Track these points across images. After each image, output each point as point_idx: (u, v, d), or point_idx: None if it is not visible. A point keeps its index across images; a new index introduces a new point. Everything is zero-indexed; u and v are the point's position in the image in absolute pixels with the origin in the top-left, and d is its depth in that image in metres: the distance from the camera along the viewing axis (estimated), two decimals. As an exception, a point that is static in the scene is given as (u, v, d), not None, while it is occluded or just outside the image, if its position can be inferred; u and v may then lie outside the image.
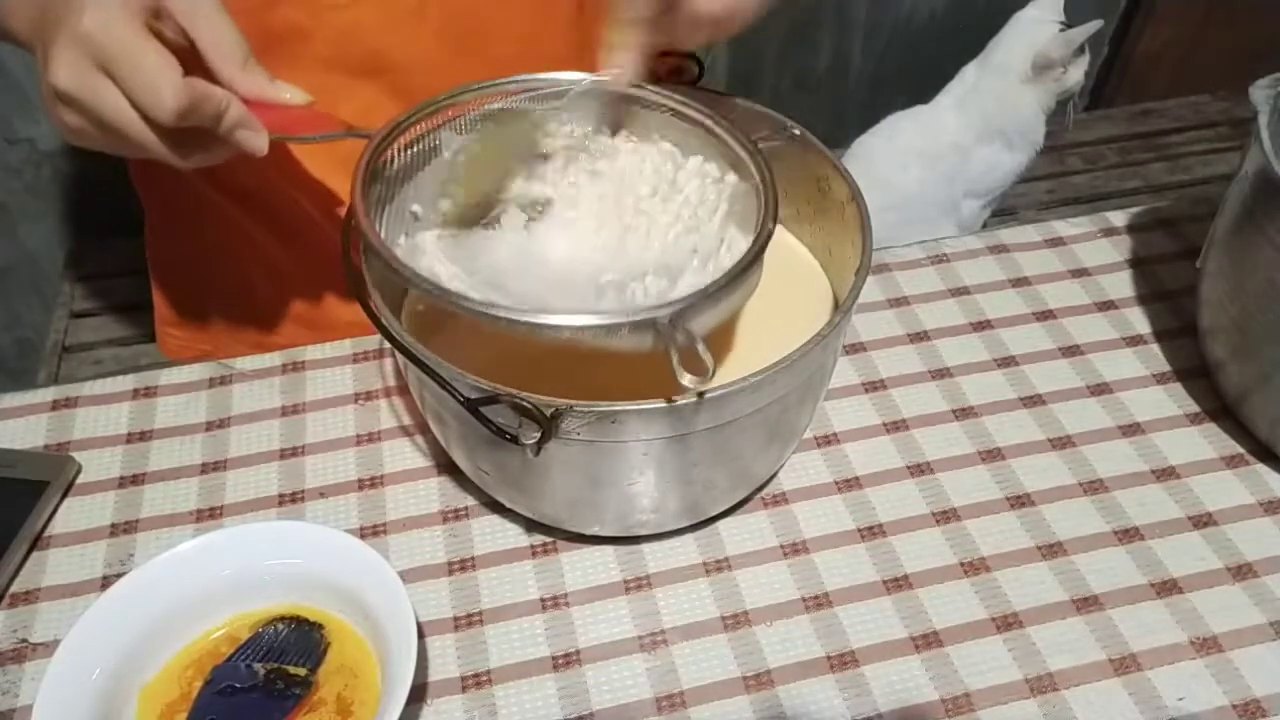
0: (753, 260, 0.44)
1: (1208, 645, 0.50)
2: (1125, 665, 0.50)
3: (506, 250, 0.51)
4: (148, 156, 0.47)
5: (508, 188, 0.53)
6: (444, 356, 0.44)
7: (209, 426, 0.60)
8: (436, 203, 0.51)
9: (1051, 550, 0.54)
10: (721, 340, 0.54)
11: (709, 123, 0.50)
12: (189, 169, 0.49)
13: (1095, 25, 1.22)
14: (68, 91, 0.44)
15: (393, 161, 0.49)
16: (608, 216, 0.52)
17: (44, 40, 0.44)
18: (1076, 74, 1.26)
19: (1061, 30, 1.24)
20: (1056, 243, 0.72)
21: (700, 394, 0.42)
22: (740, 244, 0.48)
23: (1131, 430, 0.60)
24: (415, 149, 0.50)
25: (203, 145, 0.48)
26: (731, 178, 0.50)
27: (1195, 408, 0.61)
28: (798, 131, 0.55)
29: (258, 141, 0.47)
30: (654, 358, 0.50)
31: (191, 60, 0.46)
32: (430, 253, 0.49)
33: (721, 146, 0.50)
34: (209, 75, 0.46)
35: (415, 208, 0.50)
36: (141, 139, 0.45)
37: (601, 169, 0.53)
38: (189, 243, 0.75)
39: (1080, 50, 1.25)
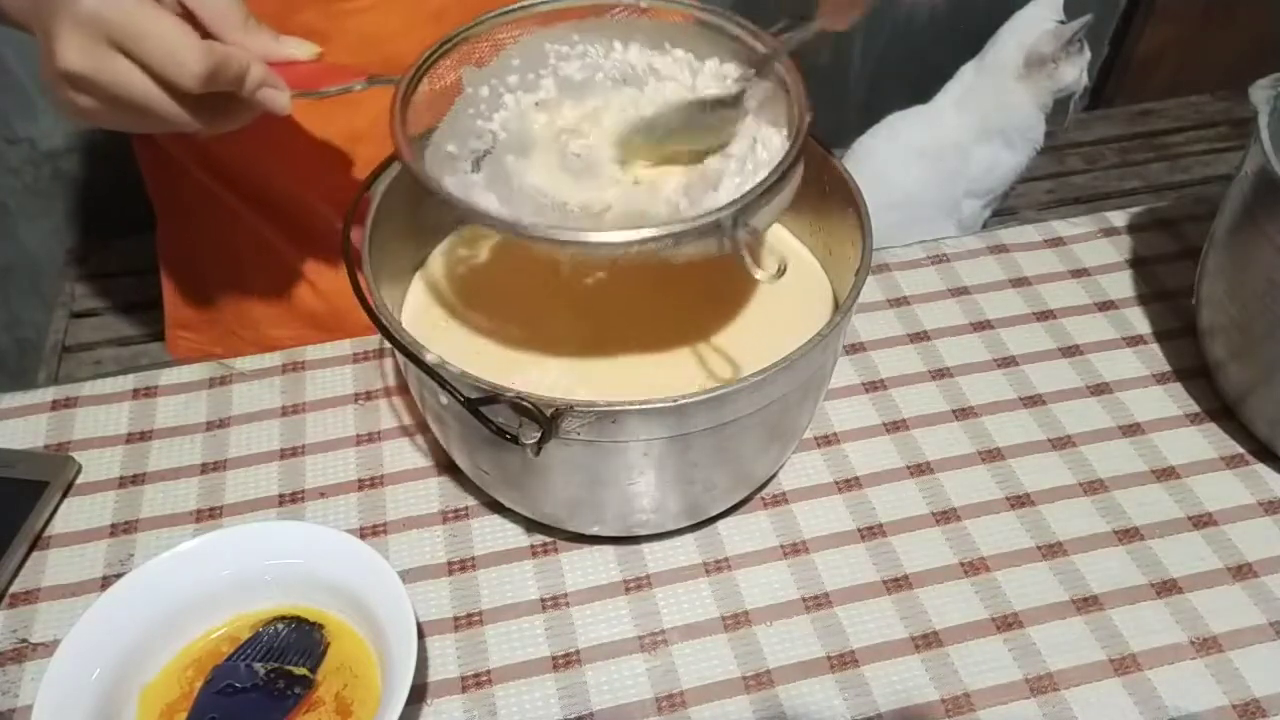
0: (800, 152, 0.45)
1: (1208, 645, 0.50)
2: (1125, 665, 0.50)
3: (545, 172, 0.50)
4: (167, 129, 0.46)
5: (540, 120, 0.52)
6: (444, 356, 0.44)
7: (209, 426, 0.60)
8: (467, 141, 0.50)
9: (1051, 550, 0.54)
10: (722, 339, 0.54)
11: (723, 24, 0.49)
12: (211, 133, 0.48)
13: (1086, 20, 1.23)
14: (80, 74, 0.42)
15: (423, 106, 0.48)
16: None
17: (43, 23, 0.43)
18: (1072, 71, 1.26)
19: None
20: (1056, 243, 0.72)
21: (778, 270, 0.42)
22: (774, 139, 0.48)
23: (1131, 430, 0.60)
24: (441, 88, 0.49)
25: (224, 110, 0.47)
26: (753, 75, 0.49)
27: (1195, 408, 0.61)
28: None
29: (281, 99, 0.47)
30: (653, 356, 0.50)
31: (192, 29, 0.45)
32: (476, 187, 0.49)
33: (739, 47, 0.49)
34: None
35: (450, 147, 0.49)
36: (164, 110, 0.44)
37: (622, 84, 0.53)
38: (200, 243, 0.74)
39: (1077, 47, 1.25)
